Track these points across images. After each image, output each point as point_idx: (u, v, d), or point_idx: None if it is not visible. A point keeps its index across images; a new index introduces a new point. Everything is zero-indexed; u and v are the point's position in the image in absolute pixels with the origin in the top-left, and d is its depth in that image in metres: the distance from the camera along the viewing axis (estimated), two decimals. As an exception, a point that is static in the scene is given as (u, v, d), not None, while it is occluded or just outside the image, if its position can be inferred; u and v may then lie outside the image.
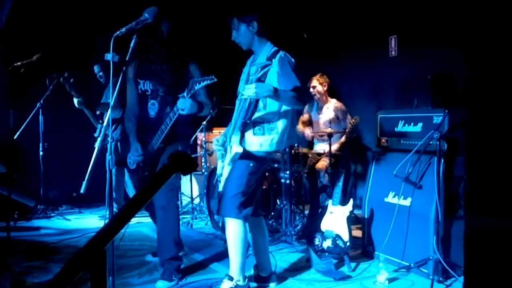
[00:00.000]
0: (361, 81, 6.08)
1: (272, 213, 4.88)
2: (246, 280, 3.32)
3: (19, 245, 4.58)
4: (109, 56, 2.64)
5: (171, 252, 3.63)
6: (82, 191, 2.73)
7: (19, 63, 3.91)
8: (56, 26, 6.45)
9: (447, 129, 3.56)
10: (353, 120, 4.75)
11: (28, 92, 5.76)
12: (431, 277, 3.40)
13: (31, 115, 5.76)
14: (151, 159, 3.65)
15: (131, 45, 2.81)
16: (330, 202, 4.00)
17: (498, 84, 1.85)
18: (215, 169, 4.82)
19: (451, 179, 3.57)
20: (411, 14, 5.19)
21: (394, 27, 5.54)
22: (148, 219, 4.59)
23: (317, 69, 5.60)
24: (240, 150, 3.17)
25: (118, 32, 2.70)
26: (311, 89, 5.47)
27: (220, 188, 3.31)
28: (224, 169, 3.28)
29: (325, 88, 5.50)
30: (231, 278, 3.24)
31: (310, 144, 5.70)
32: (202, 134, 5.91)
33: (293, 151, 4.81)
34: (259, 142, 3.21)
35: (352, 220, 4.02)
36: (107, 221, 2.33)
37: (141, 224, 5.41)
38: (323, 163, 5.15)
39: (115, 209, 4.21)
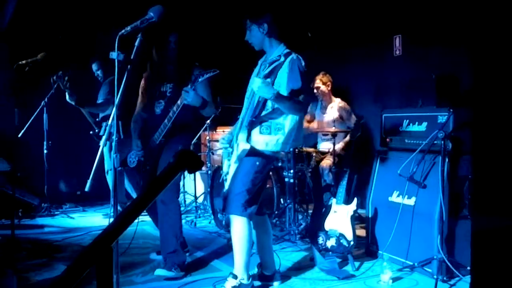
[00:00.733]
0: (365, 80, 6.06)
1: (276, 212, 4.89)
2: (250, 278, 3.32)
3: (23, 243, 4.58)
4: (114, 55, 2.63)
5: (173, 246, 3.69)
6: (87, 189, 2.73)
7: (23, 61, 3.91)
8: (60, 25, 6.46)
9: (452, 129, 3.56)
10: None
11: (33, 90, 5.77)
12: (435, 276, 3.40)
13: (36, 113, 5.79)
14: (152, 154, 3.69)
15: (136, 44, 2.80)
16: (334, 201, 4.00)
17: (504, 84, 1.84)
18: (219, 167, 4.83)
19: (455, 178, 3.57)
20: (416, 13, 5.17)
21: (398, 27, 5.52)
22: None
23: (322, 68, 5.58)
24: (248, 147, 3.17)
25: (123, 31, 2.68)
26: (315, 90, 5.45)
27: (226, 187, 3.32)
28: (230, 167, 3.29)
29: (329, 88, 5.48)
30: (235, 276, 3.24)
31: (314, 143, 5.70)
32: (206, 133, 5.91)
33: (297, 150, 4.80)
34: (265, 141, 3.20)
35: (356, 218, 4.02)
36: (111, 219, 2.34)
37: (145, 222, 5.41)
38: (327, 162, 5.14)
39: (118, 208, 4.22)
